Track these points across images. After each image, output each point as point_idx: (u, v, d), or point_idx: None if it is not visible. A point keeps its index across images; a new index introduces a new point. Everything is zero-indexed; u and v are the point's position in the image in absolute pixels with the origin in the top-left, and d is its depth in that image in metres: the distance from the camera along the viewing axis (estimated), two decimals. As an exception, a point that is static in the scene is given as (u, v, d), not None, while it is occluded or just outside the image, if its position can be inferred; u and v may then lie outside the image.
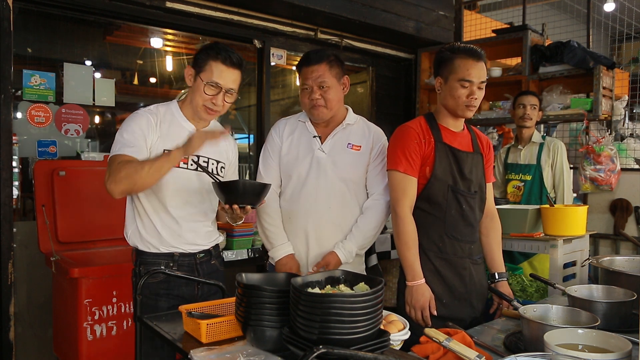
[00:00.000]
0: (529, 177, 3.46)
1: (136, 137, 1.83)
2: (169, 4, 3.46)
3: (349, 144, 2.14)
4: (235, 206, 1.77)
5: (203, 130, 1.79)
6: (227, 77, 1.88)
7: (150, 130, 1.87)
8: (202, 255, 2.02)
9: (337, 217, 2.12)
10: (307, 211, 2.11)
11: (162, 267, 1.88)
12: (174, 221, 1.94)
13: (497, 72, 4.43)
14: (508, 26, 5.03)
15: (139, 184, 1.76)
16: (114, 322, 2.62)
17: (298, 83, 2.20)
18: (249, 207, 1.79)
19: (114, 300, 2.62)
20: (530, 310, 1.55)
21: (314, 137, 2.15)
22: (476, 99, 1.92)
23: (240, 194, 1.76)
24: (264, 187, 1.83)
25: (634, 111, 4.75)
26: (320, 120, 2.14)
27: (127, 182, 1.74)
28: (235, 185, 1.77)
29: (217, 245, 2.12)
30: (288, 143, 2.18)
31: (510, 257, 2.80)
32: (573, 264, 2.78)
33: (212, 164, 2.02)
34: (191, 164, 1.94)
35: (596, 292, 1.76)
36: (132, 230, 1.96)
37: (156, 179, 1.79)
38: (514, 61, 4.91)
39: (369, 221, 2.11)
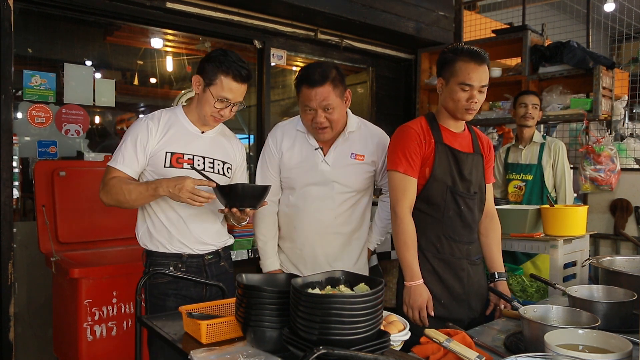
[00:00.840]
0: (530, 177, 3.46)
1: (131, 154, 1.93)
2: (169, 5, 3.46)
3: (352, 153, 2.12)
4: (235, 209, 1.80)
5: (192, 186, 1.79)
6: (237, 91, 1.92)
7: (150, 138, 1.94)
8: (210, 256, 2.05)
9: (342, 227, 2.15)
10: (313, 223, 2.13)
11: (170, 268, 1.93)
12: (180, 219, 1.97)
13: (497, 72, 4.43)
14: (508, 26, 5.03)
15: (125, 206, 1.93)
16: (114, 322, 2.62)
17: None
18: (248, 209, 1.82)
19: (114, 300, 2.62)
20: (531, 311, 1.55)
21: (316, 149, 2.12)
22: (476, 102, 1.90)
23: (239, 197, 1.79)
24: (264, 190, 1.84)
25: (634, 111, 4.75)
26: (325, 140, 2.11)
27: (115, 201, 1.92)
28: (234, 188, 1.79)
29: (227, 247, 2.14)
30: (289, 156, 2.13)
31: (513, 257, 2.80)
32: (573, 264, 2.78)
33: (218, 164, 2.03)
34: (198, 165, 1.97)
35: (596, 292, 1.75)
36: (143, 231, 2.01)
37: (141, 205, 1.97)
38: (514, 61, 4.91)
39: (388, 212, 2.14)
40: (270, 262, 2.20)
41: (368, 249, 2.29)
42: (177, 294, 1.96)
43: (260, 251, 2.23)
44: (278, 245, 2.24)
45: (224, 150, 2.07)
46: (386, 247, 3.58)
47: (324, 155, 2.12)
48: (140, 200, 1.90)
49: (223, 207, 1.85)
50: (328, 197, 2.11)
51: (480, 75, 1.89)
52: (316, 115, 2.00)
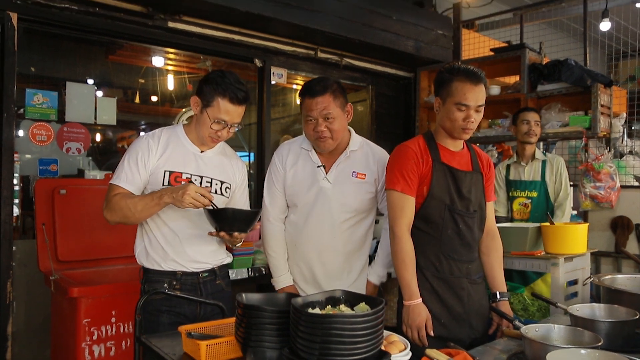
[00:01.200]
0: (535, 194, 3.45)
1: (133, 171, 1.93)
2: (171, 24, 3.51)
3: (353, 172, 2.14)
4: (222, 233, 1.83)
5: (195, 192, 1.80)
6: (234, 113, 1.94)
7: (151, 155, 1.95)
8: (205, 274, 2.04)
9: (342, 245, 2.15)
10: (312, 240, 2.14)
11: (165, 286, 1.94)
12: (175, 236, 1.98)
13: (495, 90, 4.46)
14: (506, 45, 5.08)
15: (132, 220, 1.93)
16: (112, 342, 2.60)
17: (299, 106, 2.16)
18: (236, 233, 1.84)
19: (113, 320, 2.60)
20: (532, 330, 1.54)
21: (318, 167, 2.14)
22: (473, 122, 1.91)
23: (229, 221, 1.81)
24: (254, 215, 1.86)
25: (633, 128, 4.78)
26: (326, 151, 2.13)
27: (121, 216, 1.91)
28: (224, 212, 1.82)
29: (224, 266, 2.13)
30: (292, 173, 2.17)
31: (523, 275, 2.78)
32: (575, 282, 2.76)
33: (216, 184, 2.03)
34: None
35: (598, 311, 1.75)
36: (140, 249, 2.02)
37: (146, 217, 1.94)
38: (512, 79, 4.94)
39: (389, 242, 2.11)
40: (284, 279, 2.20)
41: (371, 282, 2.21)
42: (171, 311, 1.96)
43: (272, 267, 2.22)
44: None
45: (223, 170, 2.08)
46: (387, 264, 3.56)
47: (326, 173, 2.13)
48: (146, 212, 1.89)
49: (213, 230, 1.87)
50: (328, 216, 2.12)
51: (476, 95, 1.89)
52: (317, 124, 2.04)
